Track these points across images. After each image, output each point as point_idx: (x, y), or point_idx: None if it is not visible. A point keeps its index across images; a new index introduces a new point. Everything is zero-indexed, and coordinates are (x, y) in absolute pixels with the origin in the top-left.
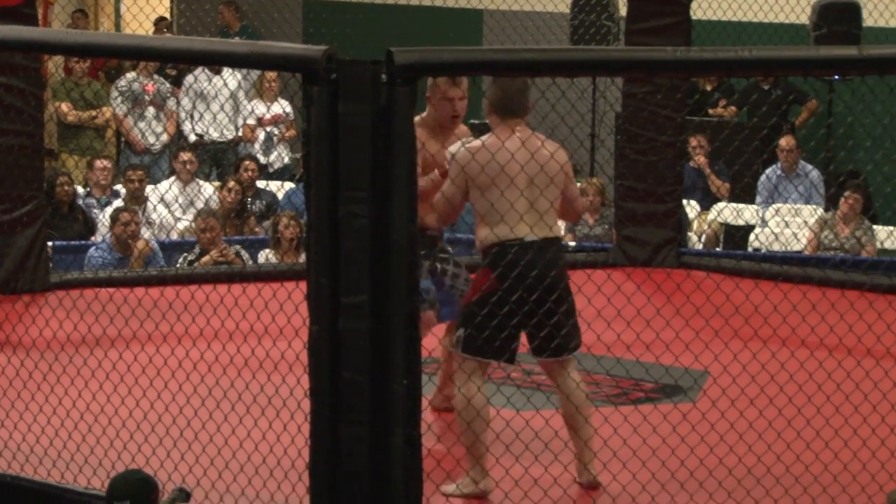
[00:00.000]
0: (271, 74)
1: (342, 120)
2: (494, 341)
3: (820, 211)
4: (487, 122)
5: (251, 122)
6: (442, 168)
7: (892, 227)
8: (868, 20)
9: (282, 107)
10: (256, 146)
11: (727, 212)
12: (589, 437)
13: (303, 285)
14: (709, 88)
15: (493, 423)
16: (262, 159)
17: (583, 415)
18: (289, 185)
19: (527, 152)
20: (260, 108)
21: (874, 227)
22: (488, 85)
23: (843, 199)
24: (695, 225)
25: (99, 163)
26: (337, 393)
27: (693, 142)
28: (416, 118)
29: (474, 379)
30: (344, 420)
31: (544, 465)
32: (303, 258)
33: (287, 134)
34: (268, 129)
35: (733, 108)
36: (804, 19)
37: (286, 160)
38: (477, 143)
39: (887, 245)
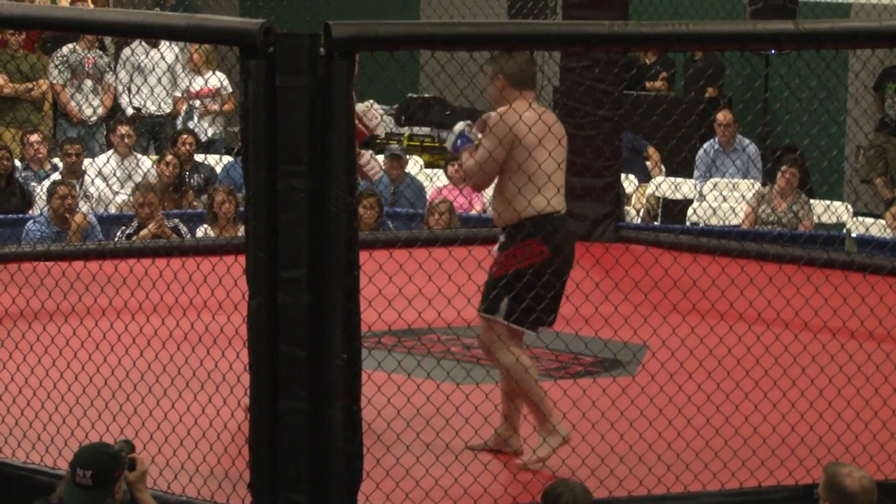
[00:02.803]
0: (194, 46)
1: (280, 93)
2: (548, 310)
3: (757, 185)
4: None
5: (178, 94)
6: None
7: (828, 202)
8: None
9: (219, 80)
10: (184, 118)
11: (665, 186)
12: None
13: (241, 259)
14: (648, 62)
15: (433, 397)
16: None
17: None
18: (227, 158)
19: (558, 125)
20: (198, 81)
21: (811, 201)
22: (494, 61)
23: (780, 174)
24: (633, 199)
25: (30, 136)
26: (276, 367)
27: None
28: None
29: (514, 348)
30: (283, 394)
31: (483, 439)
32: (241, 232)
33: (224, 108)
34: (192, 102)
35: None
36: None
37: (209, 134)
38: (513, 110)
39: (824, 219)
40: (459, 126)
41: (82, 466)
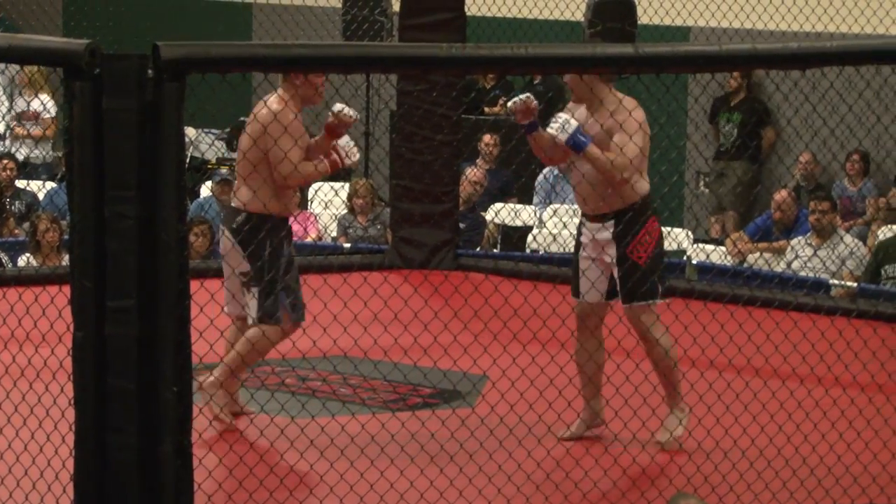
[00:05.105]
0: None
1: (107, 116)
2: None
3: None
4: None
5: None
6: (327, 152)
7: (668, 228)
8: (643, 18)
9: (41, 103)
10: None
11: (504, 212)
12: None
13: (66, 289)
14: (487, 86)
15: (267, 430)
16: None
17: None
18: (50, 184)
19: None
20: (20, 103)
21: None
22: None
23: None
24: None
25: None
26: (102, 401)
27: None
28: (285, 109)
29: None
30: (111, 429)
31: (319, 474)
32: (66, 261)
33: (36, 132)
34: (10, 124)
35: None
36: (579, 16)
37: (20, 159)
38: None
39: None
40: (570, 121)
41: None
